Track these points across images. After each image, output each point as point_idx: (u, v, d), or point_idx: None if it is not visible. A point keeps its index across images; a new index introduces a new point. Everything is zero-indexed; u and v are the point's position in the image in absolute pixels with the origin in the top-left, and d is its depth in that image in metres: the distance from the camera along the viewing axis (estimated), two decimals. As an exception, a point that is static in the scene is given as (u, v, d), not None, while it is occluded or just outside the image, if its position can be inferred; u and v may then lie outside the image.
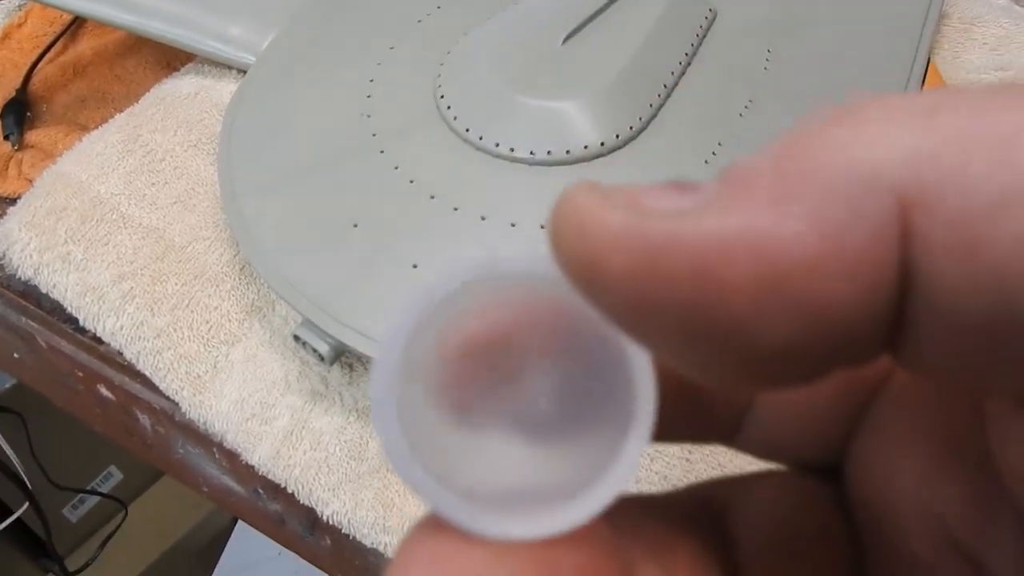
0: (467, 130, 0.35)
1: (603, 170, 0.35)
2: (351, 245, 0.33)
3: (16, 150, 0.47)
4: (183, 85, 0.43)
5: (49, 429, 0.89)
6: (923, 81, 0.41)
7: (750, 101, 0.38)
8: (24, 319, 0.45)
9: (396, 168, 0.35)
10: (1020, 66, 0.43)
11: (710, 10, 0.41)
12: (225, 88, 0.43)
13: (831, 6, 0.43)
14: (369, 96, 0.38)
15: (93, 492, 1.01)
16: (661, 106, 0.37)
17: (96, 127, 0.49)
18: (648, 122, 0.36)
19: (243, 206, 0.35)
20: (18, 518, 0.88)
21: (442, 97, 0.37)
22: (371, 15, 0.42)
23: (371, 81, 0.38)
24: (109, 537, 1.01)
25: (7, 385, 0.90)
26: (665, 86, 0.37)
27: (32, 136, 0.48)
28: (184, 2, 0.43)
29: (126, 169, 0.39)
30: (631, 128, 0.36)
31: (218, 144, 0.38)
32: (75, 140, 0.48)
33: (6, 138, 0.48)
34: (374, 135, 0.36)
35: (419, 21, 0.41)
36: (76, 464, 0.98)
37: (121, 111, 0.50)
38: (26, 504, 0.86)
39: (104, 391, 0.43)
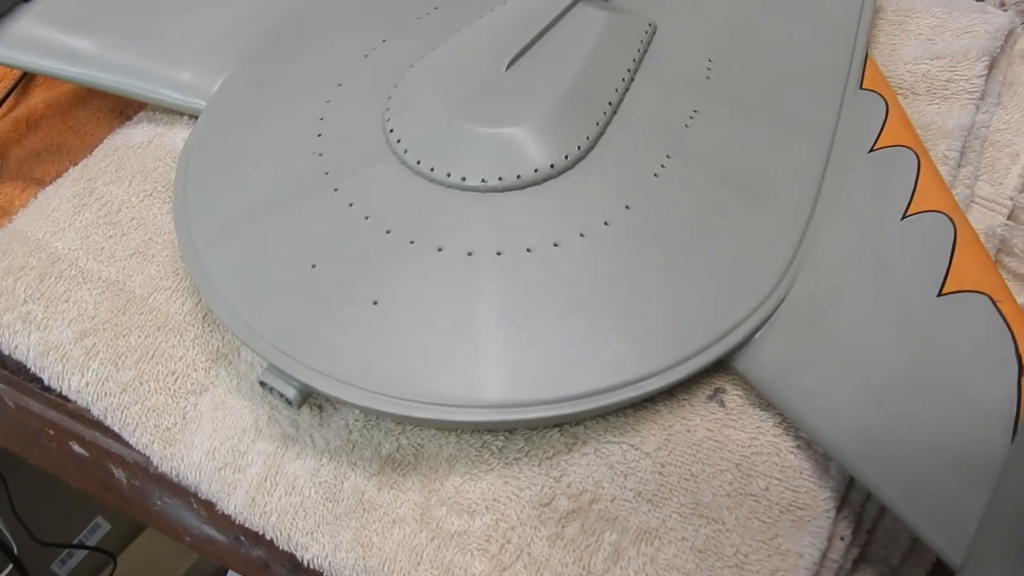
0: (418, 162, 0.36)
1: (554, 191, 0.35)
2: (311, 286, 0.33)
3: (-28, 211, 0.47)
4: (136, 134, 0.43)
5: (30, 486, 0.88)
6: (862, 76, 0.42)
7: (694, 111, 0.39)
8: (-9, 381, 0.45)
9: (351, 205, 0.35)
10: (953, 53, 0.43)
11: (649, 24, 0.41)
12: (178, 135, 0.43)
13: (767, 12, 0.43)
14: (320, 135, 0.38)
15: (80, 546, 1.00)
16: (608, 123, 0.37)
17: (52, 180, 0.49)
18: (596, 141, 0.37)
19: (201, 253, 0.35)
20: (4, 580, 0.87)
21: (391, 131, 0.37)
22: (318, 53, 0.42)
23: (321, 119, 0.38)
24: (100, 589, 1.00)
25: (-17, 445, 0.89)
26: (610, 103, 0.38)
27: (-12, 194, 0.48)
28: (132, 51, 0.43)
29: (82, 223, 0.39)
30: (579, 148, 0.36)
31: (174, 189, 0.38)
32: (31, 195, 0.47)
33: (-39, 200, 0.47)
34: (327, 173, 0.36)
35: (365, 56, 0.41)
36: (61, 518, 0.97)
37: (76, 163, 0.50)
38: (10, 567, 0.85)
39: (77, 447, 0.43)
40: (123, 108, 0.52)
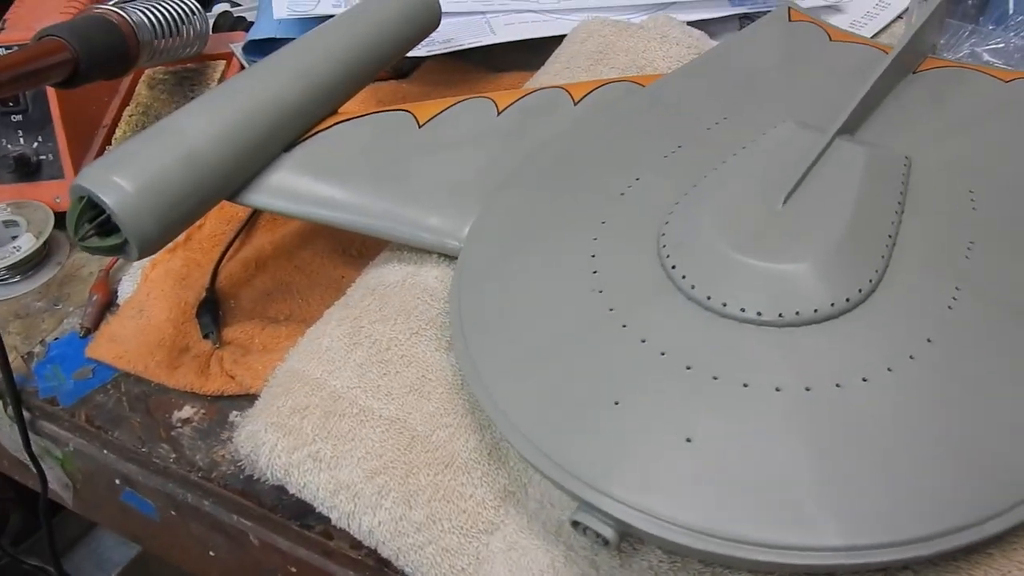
0: (708, 297, 0.36)
1: (851, 325, 0.35)
2: (618, 423, 0.33)
3: (216, 348, 0.48)
4: (387, 274, 0.44)
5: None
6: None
7: (971, 243, 0.38)
8: (236, 517, 0.45)
9: (643, 341, 0.35)
10: None
11: (906, 158, 0.42)
12: (429, 273, 0.44)
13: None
14: (595, 272, 0.38)
15: None
16: (890, 256, 0.37)
17: (286, 319, 0.51)
18: (883, 273, 0.36)
19: (494, 391, 0.35)
20: None
21: (674, 267, 0.37)
22: (572, 192, 0.43)
23: (593, 257, 0.39)
24: None
25: None
26: (889, 236, 0.38)
27: (227, 333, 0.49)
28: (383, 196, 0.45)
29: (356, 362, 0.40)
30: (870, 281, 0.36)
31: (451, 329, 0.39)
32: (270, 334, 0.49)
33: (206, 336, 0.49)
34: (611, 310, 0.37)
35: (622, 194, 0.42)
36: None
37: (306, 302, 0.51)
38: None
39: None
40: (344, 246, 0.54)
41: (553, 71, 0.57)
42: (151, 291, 0.52)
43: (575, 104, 0.50)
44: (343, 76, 0.48)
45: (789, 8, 0.57)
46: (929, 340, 0.34)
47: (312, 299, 0.51)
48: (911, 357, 0.34)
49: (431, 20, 0.56)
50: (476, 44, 0.63)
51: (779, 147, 0.42)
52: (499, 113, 0.49)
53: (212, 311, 0.50)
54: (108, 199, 0.39)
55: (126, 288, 0.53)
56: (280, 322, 0.50)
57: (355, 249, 0.53)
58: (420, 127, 0.48)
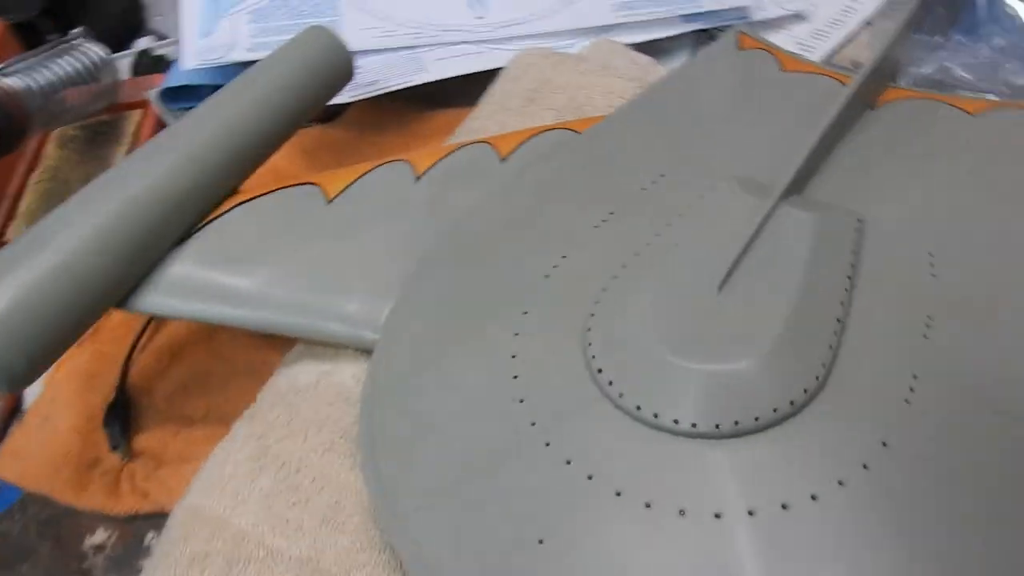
0: (637, 407, 0.32)
1: (796, 433, 0.31)
2: (541, 567, 0.30)
3: (126, 461, 0.44)
4: (299, 374, 0.40)
5: None
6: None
7: (929, 318, 0.35)
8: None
9: (568, 463, 0.31)
10: None
11: (858, 220, 0.38)
12: (346, 371, 0.40)
13: (990, 191, 0.40)
14: (516, 376, 0.35)
15: None
16: (839, 345, 0.33)
17: (202, 418, 0.47)
18: (831, 368, 0.33)
19: (407, 524, 0.32)
20: None
21: (600, 371, 0.33)
22: (493, 275, 0.39)
23: (513, 357, 0.35)
24: None
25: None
26: (838, 320, 0.34)
27: (140, 441, 0.46)
28: (292, 286, 0.41)
29: (262, 492, 0.36)
30: (817, 378, 0.32)
31: (360, 448, 0.35)
32: (184, 439, 0.45)
33: (113, 449, 0.45)
34: (533, 424, 0.33)
35: (546, 276, 0.38)
36: None
37: (225, 397, 0.47)
38: None
39: None
40: (265, 327, 0.50)
41: (485, 114, 0.53)
42: (56, 395, 0.48)
43: (502, 160, 0.46)
44: (240, 153, 0.44)
45: (738, 34, 0.53)
46: (884, 444, 0.31)
47: (230, 392, 0.47)
48: (864, 466, 0.30)
49: (342, 75, 0.52)
50: (406, 85, 0.59)
51: (717, 216, 0.38)
52: (418, 178, 0.45)
53: (122, 416, 0.46)
54: (-33, 334, 0.35)
55: (32, 391, 0.49)
56: (196, 422, 0.46)
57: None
58: (329, 202, 0.44)
